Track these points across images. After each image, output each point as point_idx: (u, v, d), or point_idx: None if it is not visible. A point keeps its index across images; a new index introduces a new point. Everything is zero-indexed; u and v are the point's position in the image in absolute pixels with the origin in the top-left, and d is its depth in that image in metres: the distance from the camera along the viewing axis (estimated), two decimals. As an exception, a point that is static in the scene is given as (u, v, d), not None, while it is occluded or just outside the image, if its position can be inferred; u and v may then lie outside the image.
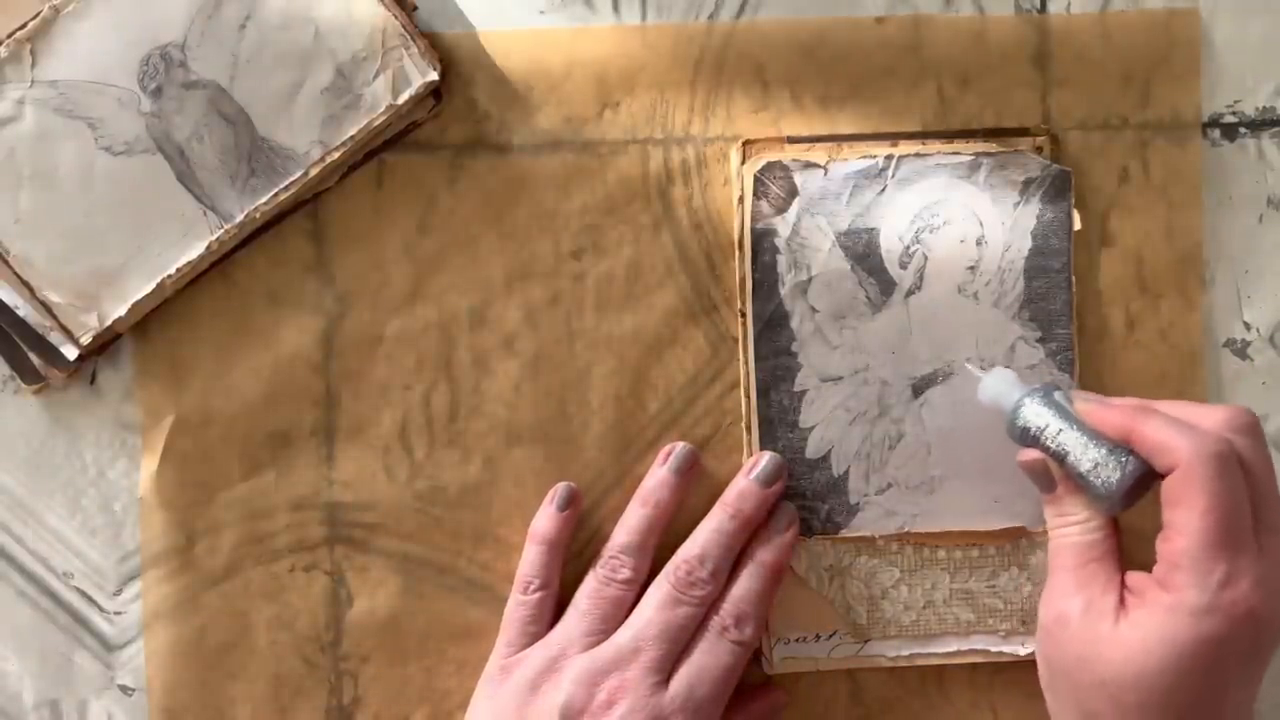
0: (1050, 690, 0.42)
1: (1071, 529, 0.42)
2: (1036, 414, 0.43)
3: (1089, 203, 0.48)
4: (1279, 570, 0.39)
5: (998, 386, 0.45)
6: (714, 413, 0.48)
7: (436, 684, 0.48)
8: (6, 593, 0.49)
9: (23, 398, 0.49)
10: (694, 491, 0.48)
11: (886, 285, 0.48)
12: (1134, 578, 0.41)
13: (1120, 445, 0.41)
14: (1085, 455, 0.41)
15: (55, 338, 0.47)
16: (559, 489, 0.48)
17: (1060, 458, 0.42)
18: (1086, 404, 0.42)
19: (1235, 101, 0.49)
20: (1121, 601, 0.40)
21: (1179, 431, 0.39)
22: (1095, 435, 0.42)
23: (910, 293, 0.48)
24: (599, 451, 0.48)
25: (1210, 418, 0.41)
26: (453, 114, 0.48)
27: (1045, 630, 0.42)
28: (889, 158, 0.47)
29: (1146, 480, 0.41)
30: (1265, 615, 0.38)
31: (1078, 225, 0.48)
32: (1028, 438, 0.43)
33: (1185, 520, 0.39)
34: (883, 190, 0.47)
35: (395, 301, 0.48)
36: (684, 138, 0.48)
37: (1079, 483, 0.42)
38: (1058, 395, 0.43)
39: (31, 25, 0.46)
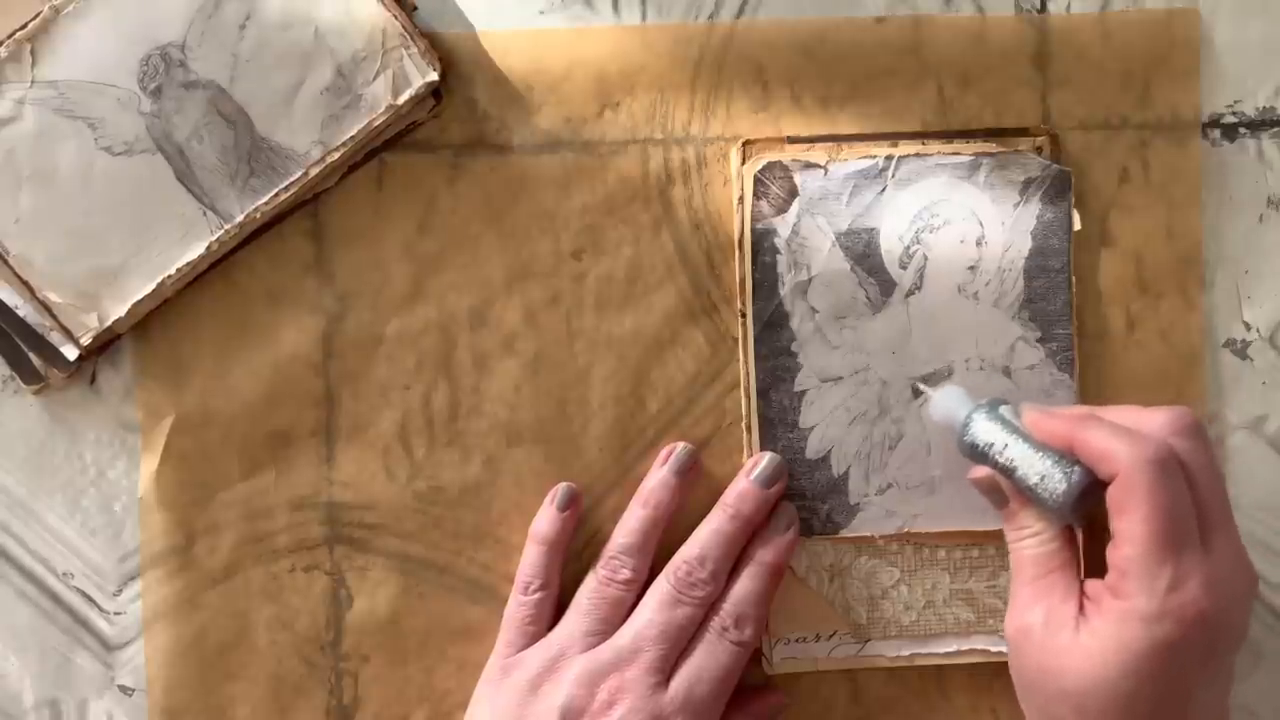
0: (1023, 701, 0.42)
1: (1028, 541, 0.42)
2: (985, 430, 0.42)
3: (1089, 203, 0.48)
4: (1227, 571, 0.39)
5: (946, 404, 0.44)
6: (714, 413, 0.48)
7: (436, 684, 0.48)
8: (6, 593, 0.49)
9: (23, 398, 0.49)
10: (694, 492, 0.48)
11: (886, 285, 0.48)
12: (1091, 585, 0.41)
13: (1065, 456, 0.41)
14: (1032, 468, 0.41)
15: (55, 338, 0.47)
16: (559, 489, 0.48)
17: (1009, 472, 0.42)
18: (1032, 415, 0.42)
19: (1235, 101, 0.49)
20: (1081, 610, 0.40)
21: (1119, 439, 0.39)
22: (1042, 447, 0.41)
23: (910, 293, 0.48)
24: (599, 451, 0.48)
25: (1152, 422, 0.40)
26: (453, 114, 0.48)
27: (1011, 644, 0.42)
28: (889, 158, 0.47)
29: (1095, 489, 0.40)
30: (1215, 616, 0.38)
31: (1078, 225, 0.48)
32: (977, 454, 0.43)
33: (1129, 527, 0.39)
34: (883, 190, 0.48)
35: (395, 301, 0.48)
36: (684, 138, 0.48)
37: (1029, 496, 0.42)
38: (1004, 410, 0.43)
39: (31, 25, 0.46)
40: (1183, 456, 0.40)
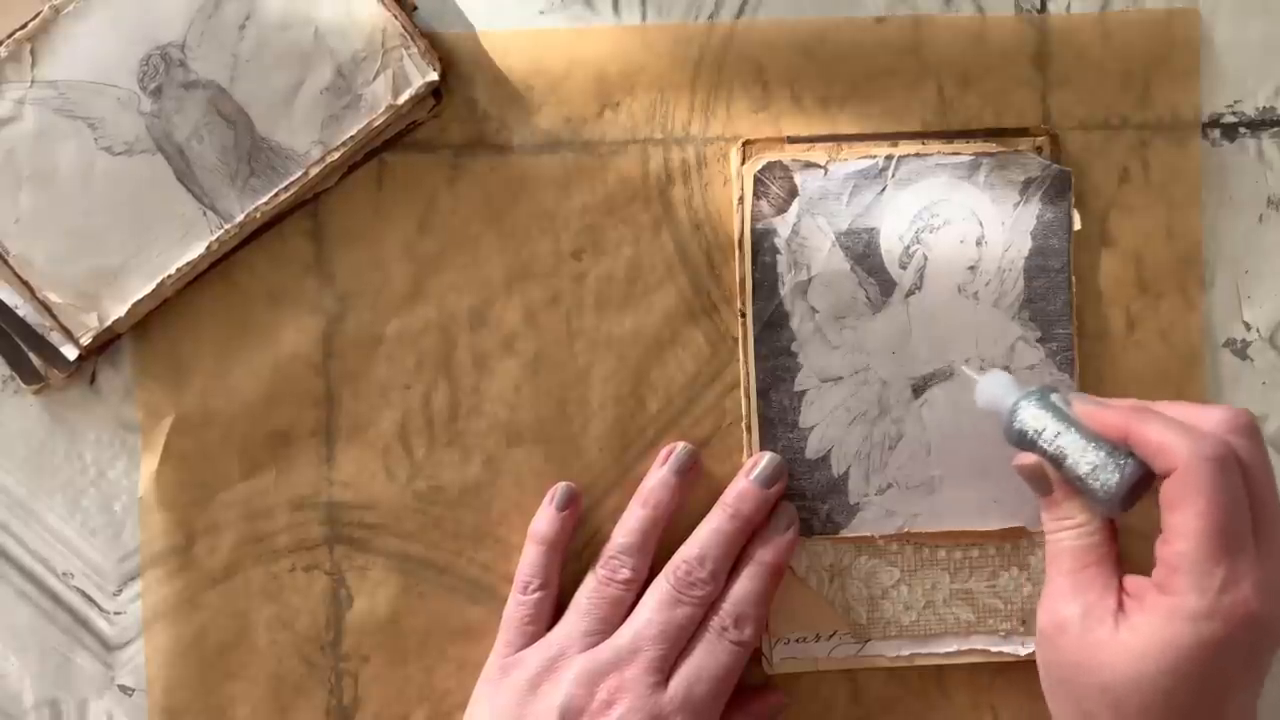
0: (1051, 695, 0.42)
1: (1069, 532, 0.42)
2: (1034, 416, 0.42)
3: (1089, 203, 0.48)
4: (1278, 573, 0.39)
5: (994, 389, 0.44)
6: (714, 413, 0.48)
7: (436, 684, 0.48)
8: (6, 593, 0.49)
9: (23, 398, 0.49)
10: (694, 492, 0.48)
11: (886, 285, 0.48)
12: (1132, 581, 0.41)
13: (1119, 447, 0.41)
14: (1084, 458, 0.41)
15: (55, 338, 0.47)
16: (559, 489, 0.48)
17: (1058, 461, 0.42)
18: (1085, 405, 0.42)
19: (1235, 101, 0.49)
20: (1120, 605, 0.40)
21: (1178, 433, 0.39)
22: (1094, 437, 0.41)
23: (910, 293, 0.48)
24: (599, 451, 0.48)
25: (1209, 419, 0.40)
26: (453, 114, 0.48)
27: (1044, 636, 0.42)
28: (889, 158, 0.47)
29: (1145, 482, 0.40)
30: (1265, 618, 0.38)
31: (1078, 225, 0.48)
32: (1025, 441, 0.42)
33: (1184, 523, 0.38)
34: (883, 190, 0.48)
35: (395, 301, 0.48)
36: (684, 138, 0.48)
37: (1077, 486, 0.42)
38: (1054, 397, 0.43)
39: (31, 25, 0.46)
40: (1240, 455, 0.39)
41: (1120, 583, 0.41)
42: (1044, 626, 0.42)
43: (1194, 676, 0.38)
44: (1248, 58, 0.49)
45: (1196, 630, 0.38)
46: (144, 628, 0.48)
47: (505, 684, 0.45)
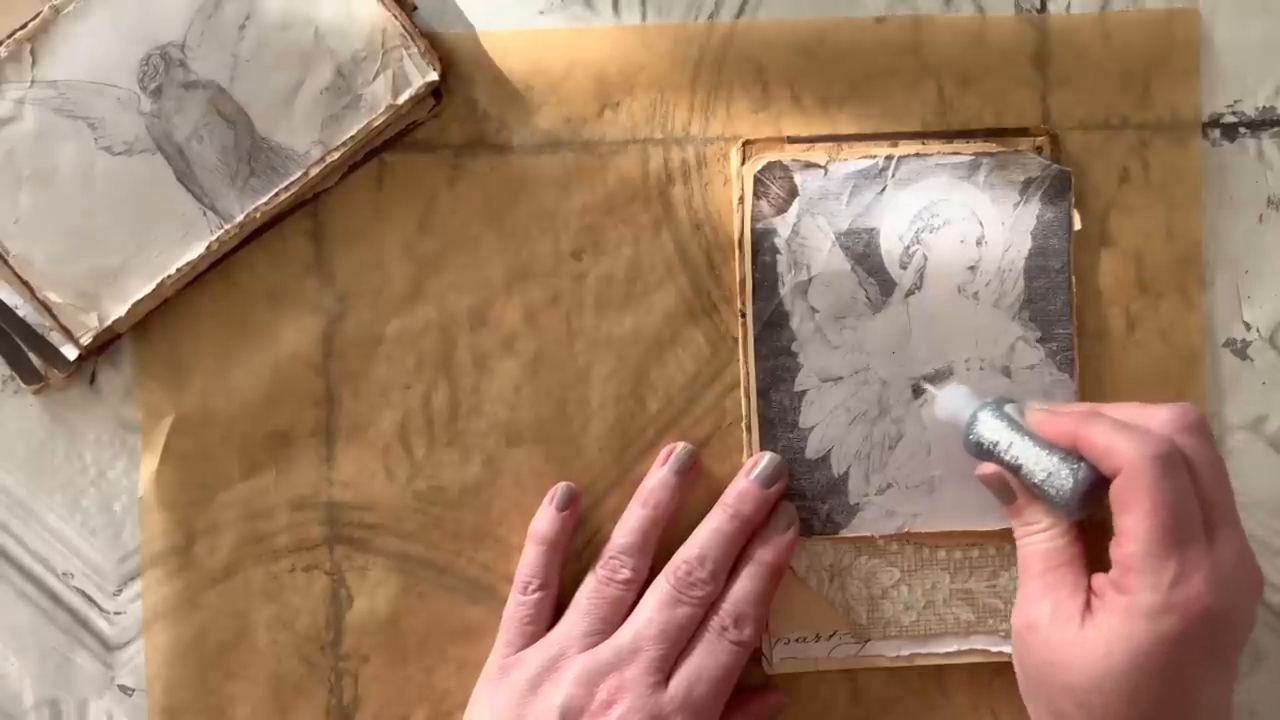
0: (1026, 696, 0.43)
1: (1036, 536, 0.43)
2: (990, 428, 0.43)
3: (1089, 203, 0.48)
4: (1231, 566, 0.39)
5: (952, 403, 0.45)
6: (714, 413, 0.48)
7: (436, 684, 0.48)
8: (6, 593, 0.49)
9: (23, 398, 0.49)
10: (694, 492, 0.48)
11: (886, 285, 0.48)
12: (1097, 581, 0.41)
13: (1072, 453, 0.41)
14: (1038, 466, 0.42)
15: (55, 338, 0.47)
16: (558, 489, 0.48)
17: (1015, 469, 0.43)
18: (1036, 414, 0.43)
19: (1235, 101, 0.49)
20: (1087, 605, 0.40)
21: (1122, 435, 0.40)
22: (1047, 445, 0.42)
23: (910, 293, 0.48)
24: (599, 451, 0.48)
25: (1155, 419, 0.41)
26: (453, 114, 0.48)
27: (1018, 637, 0.42)
28: (889, 158, 0.47)
29: (1101, 486, 0.41)
30: (1219, 611, 0.39)
31: (1078, 225, 0.48)
32: (983, 451, 0.44)
33: (1133, 523, 0.39)
34: (883, 190, 0.48)
35: (395, 301, 0.48)
36: (684, 138, 0.48)
37: (1036, 492, 0.42)
38: (1009, 408, 0.44)
39: (31, 25, 0.46)
40: (1187, 452, 0.40)
41: (1088, 583, 0.41)
42: (1016, 629, 0.42)
43: (1155, 672, 0.39)
44: (1248, 58, 0.49)
45: (1154, 626, 0.38)
46: (144, 628, 0.48)
47: (505, 684, 0.45)
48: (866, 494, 0.48)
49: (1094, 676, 0.39)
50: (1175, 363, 0.48)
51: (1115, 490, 0.40)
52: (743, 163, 0.48)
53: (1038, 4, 0.49)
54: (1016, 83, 0.48)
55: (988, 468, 0.44)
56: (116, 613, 0.49)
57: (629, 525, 0.47)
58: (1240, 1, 0.49)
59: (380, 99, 0.47)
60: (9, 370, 0.48)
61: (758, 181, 0.47)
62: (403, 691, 0.48)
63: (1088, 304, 0.48)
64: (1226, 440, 0.49)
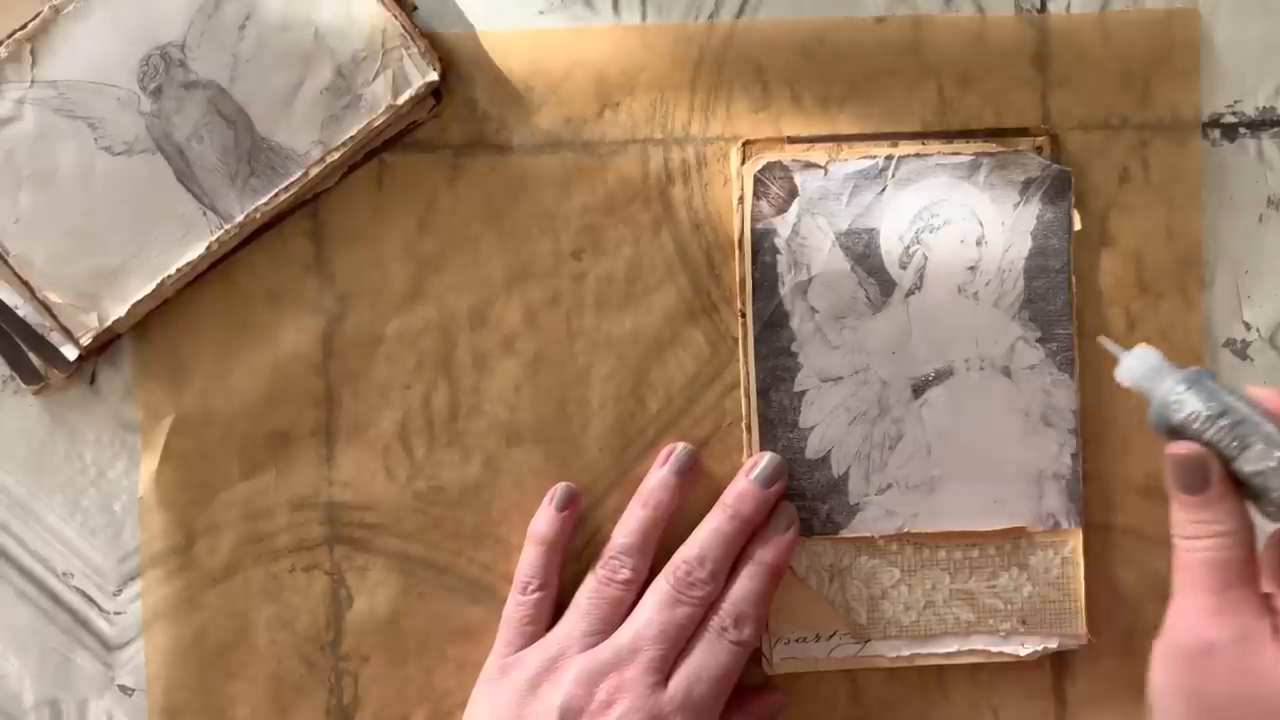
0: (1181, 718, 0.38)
1: (1213, 540, 0.37)
2: (1205, 400, 0.37)
3: (1089, 203, 0.48)
4: None
5: (1143, 366, 0.40)
6: (714, 413, 0.48)
7: (436, 684, 0.48)
8: (6, 593, 0.49)
9: (23, 398, 0.49)
10: (694, 492, 0.48)
11: (886, 285, 0.48)
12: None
13: None
14: (1269, 452, 0.36)
15: (55, 338, 0.47)
16: (558, 489, 0.48)
17: (1226, 453, 0.37)
18: (1265, 391, 0.38)
19: (1235, 101, 0.49)
20: (1276, 628, 0.37)
21: None
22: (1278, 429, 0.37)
23: (910, 293, 0.48)
24: (599, 451, 0.48)
25: None
26: (453, 114, 0.48)
27: (1185, 659, 0.38)
28: (889, 158, 0.47)
29: None
30: None
31: (1078, 225, 0.48)
32: (1184, 428, 0.38)
33: None
34: (883, 190, 0.47)
35: (395, 301, 0.48)
36: (684, 138, 0.48)
37: (1246, 484, 0.37)
38: (1215, 382, 0.38)
39: (31, 25, 0.46)
40: None
41: (1268, 600, 0.37)
42: (1187, 647, 0.38)
43: None
44: (1248, 58, 0.49)
45: None
46: (144, 628, 0.48)
47: (505, 684, 0.45)
48: (866, 494, 0.48)
49: None
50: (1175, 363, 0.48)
51: None
52: (743, 163, 0.48)
53: (1038, 4, 0.49)
54: (1016, 83, 0.48)
55: (1184, 446, 0.38)
56: (116, 613, 0.49)
57: (629, 525, 0.47)
58: (1240, 1, 0.49)
59: (380, 99, 0.47)
60: (9, 370, 0.48)
61: (758, 181, 0.47)
62: (403, 691, 0.48)
63: (1088, 304, 0.48)
64: (1226, 440, 0.49)
